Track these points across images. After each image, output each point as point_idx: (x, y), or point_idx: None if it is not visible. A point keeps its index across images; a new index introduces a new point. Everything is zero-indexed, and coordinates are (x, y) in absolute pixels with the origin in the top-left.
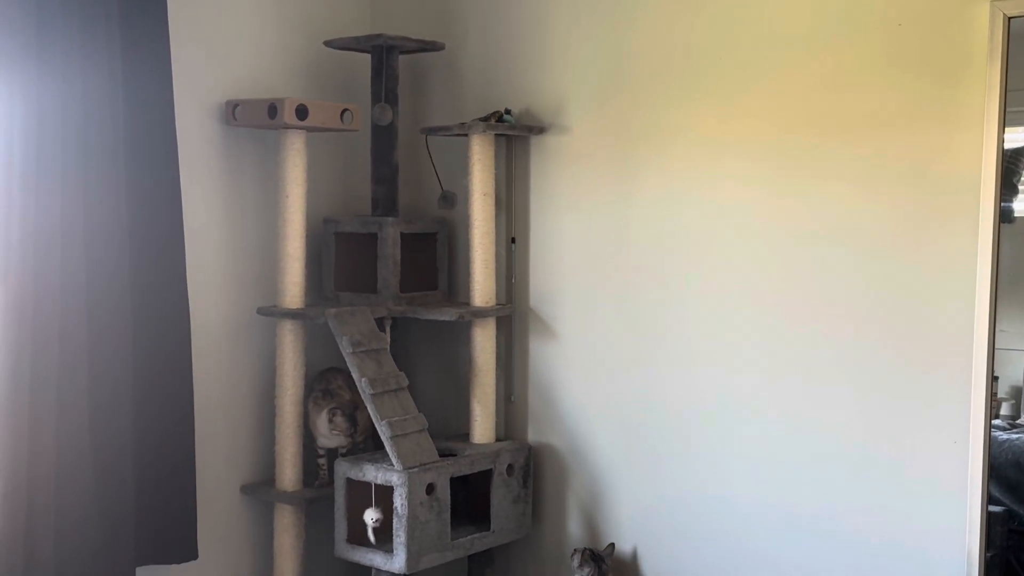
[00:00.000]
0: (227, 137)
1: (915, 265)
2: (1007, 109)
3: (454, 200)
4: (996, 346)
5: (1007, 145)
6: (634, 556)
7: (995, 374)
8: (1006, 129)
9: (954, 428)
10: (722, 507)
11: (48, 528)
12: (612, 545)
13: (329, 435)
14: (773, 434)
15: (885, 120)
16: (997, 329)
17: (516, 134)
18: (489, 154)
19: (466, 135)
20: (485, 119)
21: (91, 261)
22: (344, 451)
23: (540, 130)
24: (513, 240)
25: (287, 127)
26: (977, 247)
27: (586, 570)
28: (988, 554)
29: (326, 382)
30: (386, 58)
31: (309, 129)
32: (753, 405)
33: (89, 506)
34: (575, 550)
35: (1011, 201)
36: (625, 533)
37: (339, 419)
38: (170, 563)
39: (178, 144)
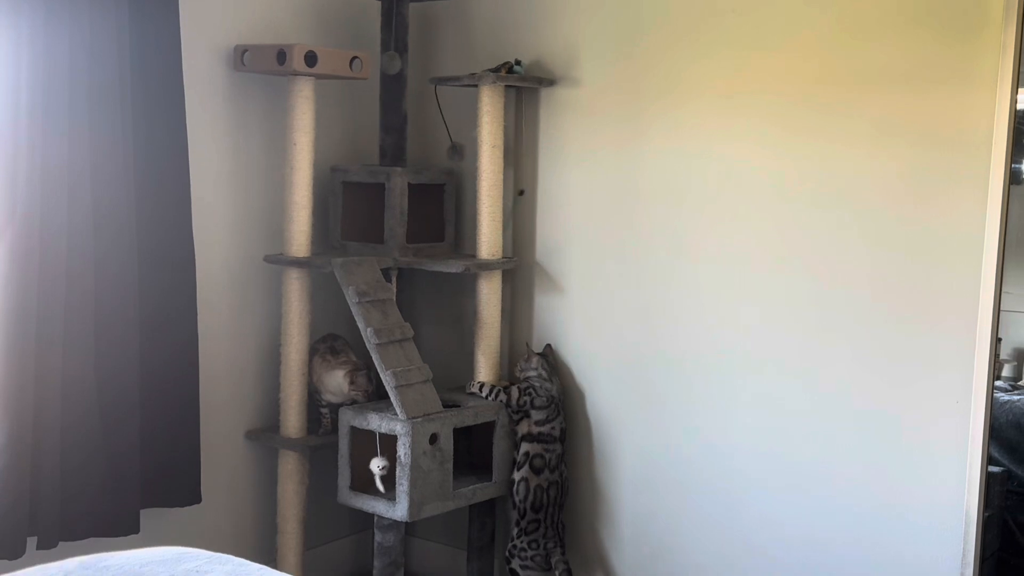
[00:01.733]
0: (235, 83)
1: (923, 224)
2: (1021, 70)
3: (463, 152)
4: (1001, 308)
5: (1020, 106)
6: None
7: (999, 336)
8: (1019, 90)
9: (957, 388)
10: (723, 460)
11: (54, 471)
12: (549, 346)
13: (342, 393)
14: (776, 390)
15: (898, 79)
16: (1003, 291)
17: (526, 86)
18: (498, 105)
19: (475, 86)
20: (495, 70)
21: (98, 206)
22: (349, 403)
23: (550, 82)
24: (521, 192)
25: (296, 74)
26: (986, 208)
27: (534, 361)
28: (986, 513)
29: (331, 339)
30: (396, 6)
31: (318, 76)
32: (757, 361)
33: (94, 450)
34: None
35: (1022, 163)
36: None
37: (361, 380)
38: (174, 506)
39: (185, 89)
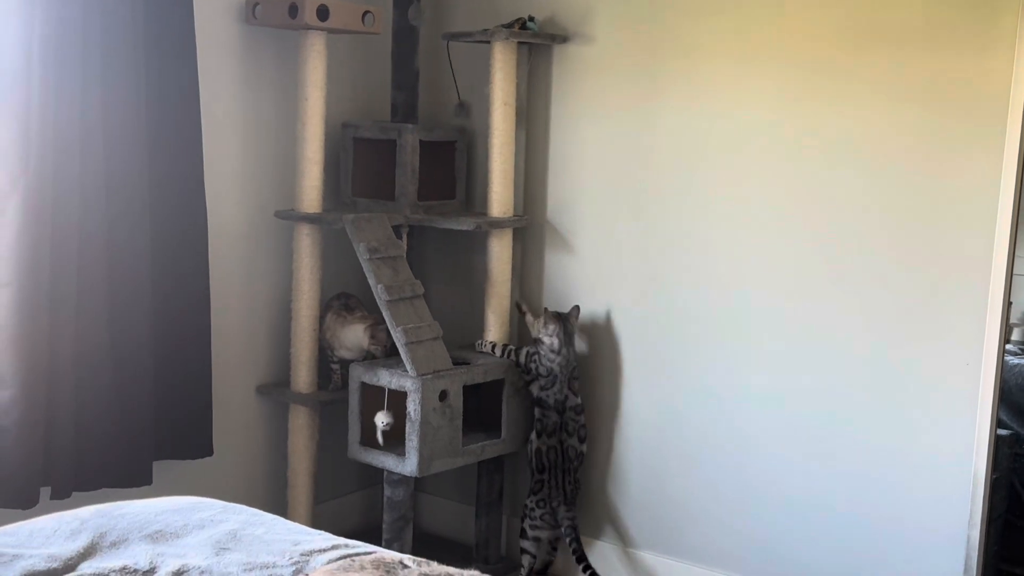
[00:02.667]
0: (247, 36)
1: (938, 187)
2: None
3: (469, 110)
4: (1013, 272)
5: None
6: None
7: (1010, 300)
8: None
9: (967, 351)
10: (733, 420)
11: (68, 423)
12: (577, 307)
13: (359, 349)
14: (787, 350)
15: (915, 40)
16: (1015, 255)
17: (539, 42)
18: (511, 62)
19: (488, 42)
20: (508, 26)
21: (110, 161)
22: (362, 359)
23: (564, 39)
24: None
25: (308, 27)
26: (1001, 171)
27: (551, 327)
28: (994, 476)
29: (345, 297)
30: None
31: (330, 31)
32: (769, 320)
33: (108, 403)
34: (545, 309)
35: None
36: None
37: (381, 334)
38: (186, 459)
39: (197, 43)
